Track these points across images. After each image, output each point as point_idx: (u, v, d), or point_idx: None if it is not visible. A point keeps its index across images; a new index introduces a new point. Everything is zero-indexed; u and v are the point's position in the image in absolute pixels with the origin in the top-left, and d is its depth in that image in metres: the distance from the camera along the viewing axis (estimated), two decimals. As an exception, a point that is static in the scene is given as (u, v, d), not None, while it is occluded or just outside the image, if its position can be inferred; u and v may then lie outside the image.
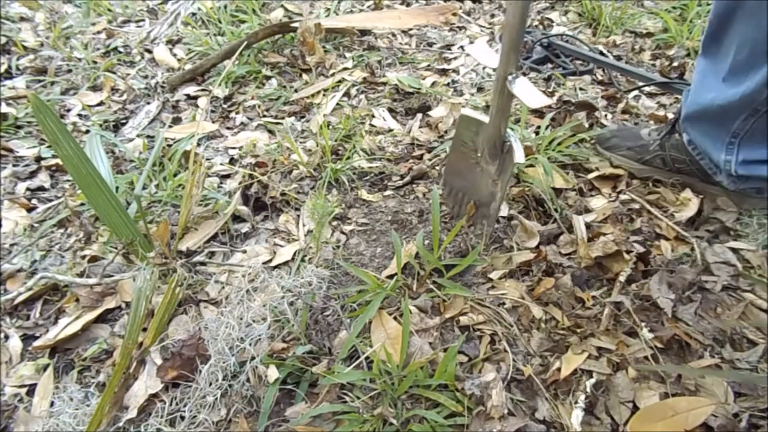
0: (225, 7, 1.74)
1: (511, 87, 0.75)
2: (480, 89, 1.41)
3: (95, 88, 1.50)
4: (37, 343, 0.85)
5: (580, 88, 1.38)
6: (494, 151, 0.85)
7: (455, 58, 1.55)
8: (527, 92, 0.73)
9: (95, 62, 1.59)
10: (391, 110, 1.34)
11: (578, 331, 0.78)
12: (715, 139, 0.91)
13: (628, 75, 1.37)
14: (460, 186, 0.98)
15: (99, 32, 1.75)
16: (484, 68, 1.49)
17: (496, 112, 0.81)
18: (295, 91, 1.43)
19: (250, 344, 0.77)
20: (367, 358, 0.76)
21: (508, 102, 0.79)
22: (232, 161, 1.22)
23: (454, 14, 1.77)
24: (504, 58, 0.75)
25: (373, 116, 1.31)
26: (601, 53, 1.49)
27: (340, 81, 1.43)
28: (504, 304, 0.84)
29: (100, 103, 1.45)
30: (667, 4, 1.75)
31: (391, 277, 0.90)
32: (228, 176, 1.17)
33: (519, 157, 0.80)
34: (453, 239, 0.93)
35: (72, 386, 0.78)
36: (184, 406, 0.73)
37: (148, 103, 1.44)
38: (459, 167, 0.96)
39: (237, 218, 1.06)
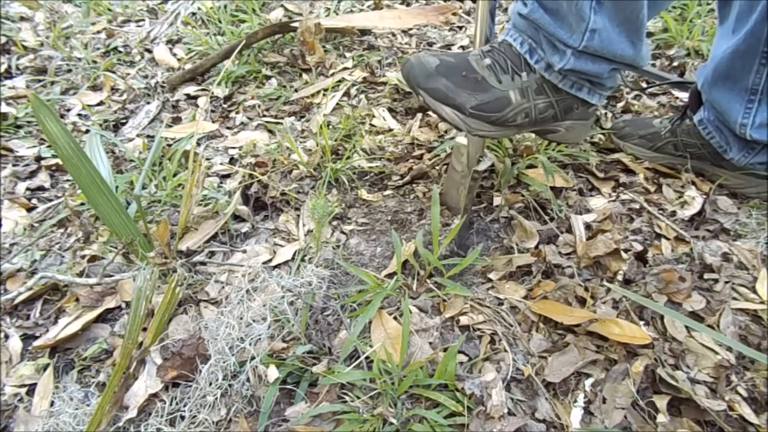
0: (225, 6, 1.74)
1: None
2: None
3: (95, 88, 1.50)
4: (37, 343, 0.85)
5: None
6: (472, 168, 0.92)
7: (455, 58, 1.55)
8: None
9: (95, 62, 1.59)
10: (391, 110, 1.34)
11: (577, 329, 0.78)
12: (734, 100, 0.92)
13: (646, 75, 1.39)
14: (452, 199, 1.03)
15: (99, 32, 1.75)
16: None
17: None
18: (295, 90, 1.43)
19: (250, 344, 0.77)
20: (367, 357, 0.76)
21: None
22: (232, 161, 1.22)
23: (454, 14, 1.77)
24: None
25: (373, 116, 1.31)
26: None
27: (340, 81, 1.43)
28: (503, 304, 0.84)
29: (100, 103, 1.45)
30: (667, 3, 1.75)
31: (391, 276, 0.90)
32: (228, 176, 1.17)
33: (481, 166, 0.90)
34: (452, 239, 0.93)
35: (72, 386, 0.78)
36: (184, 405, 0.73)
37: (148, 103, 1.44)
38: (450, 185, 1.03)
39: (237, 218, 1.06)
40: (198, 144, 1.26)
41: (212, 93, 1.44)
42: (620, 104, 1.31)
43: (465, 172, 0.94)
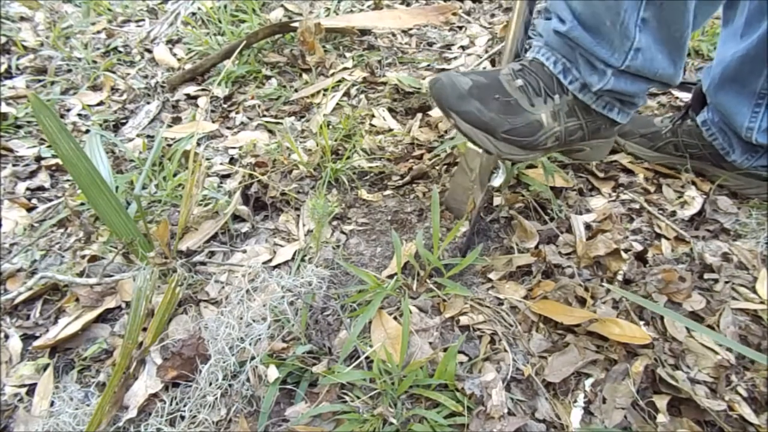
0: (225, 6, 1.74)
1: None
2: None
3: (95, 88, 1.50)
4: (37, 343, 0.85)
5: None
6: (485, 179, 0.91)
7: (455, 58, 1.55)
8: None
9: (95, 62, 1.59)
10: (391, 110, 1.34)
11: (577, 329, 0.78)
12: (741, 104, 0.92)
13: None
14: (455, 202, 1.02)
15: (99, 32, 1.75)
16: (483, 68, 1.48)
17: None
18: (295, 90, 1.43)
19: (250, 344, 0.77)
20: (367, 357, 0.76)
21: None
22: (232, 161, 1.22)
23: (454, 14, 1.77)
24: None
25: (373, 116, 1.31)
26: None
27: (340, 81, 1.43)
28: (503, 304, 0.84)
29: (100, 103, 1.45)
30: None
31: (391, 276, 0.90)
32: (228, 176, 1.17)
33: (496, 181, 0.88)
34: (452, 239, 0.93)
35: (72, 386, 0.78)
36: (184, 405, 0.73)
37: (148, 103, 1.44)
38: (457, 190, 1.01)
39: (237, 218, 1.06)
40: (198, 144, 1.26)
41: (212, 93, 1.44)
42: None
43: (476, 179, 0.94)
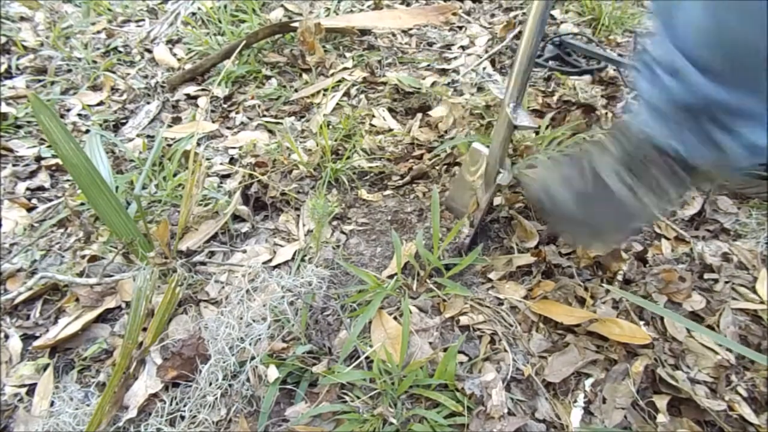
0: (225, 6, 1.74)
1: (511, 114, 0.80)
2: (480, 89, 1.41)
3: (95, 88, 1.50)
4: (37, 343, 0.85)
5: (580, 88, 1.38)
6: (490, 181, 0.90)
7: (455, 58, 1.55)
8: (522, 117, 0.81)
9: (95, 62, 1.59)
10: (391, 110, 1.34)
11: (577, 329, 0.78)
12: None
13: None
14: (456, 202, 1.02)
15: (99, 32, 1.74)
16: (484, 68, 1.49)
17: (498, 143, 0.85)
18: (295, 90, 1.43)
19: (250, 344, 0.77)
20: (367, 357, 0.76)
21: (509, 133, 0.83)
22: (232, 161, 1.22)
23: (454, 14, 1.77)
24: (512, 89, 0.79)
25: (373, 116, 1.31)
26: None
27: (340, 81, 1.43)
28: (503, 304, 0.84)
29: (100, 103, 1.45)
30: (667, 3, 1.74)
31: (391, 276, 0.90)
32: (228, 176, 1.17)
33: (503, 180, 0.87)
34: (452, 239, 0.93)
35: (72, 386, 0.78)
36: (184, 405, 0.73)
37: (148, 103, 1.44)
38: (459, 191, 1.01)
39: (237, 218, 1.06)
40: (198, 144, 1.26)
41: (212, 93, 1.44)
42: (620, 104, 1.31)
43: (479, 179, 0.93)
